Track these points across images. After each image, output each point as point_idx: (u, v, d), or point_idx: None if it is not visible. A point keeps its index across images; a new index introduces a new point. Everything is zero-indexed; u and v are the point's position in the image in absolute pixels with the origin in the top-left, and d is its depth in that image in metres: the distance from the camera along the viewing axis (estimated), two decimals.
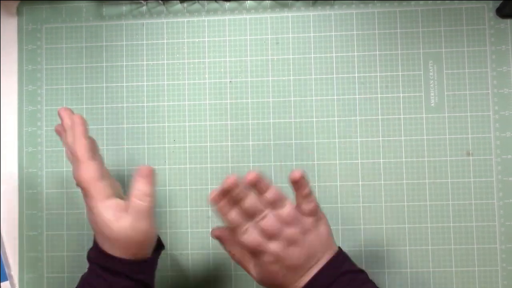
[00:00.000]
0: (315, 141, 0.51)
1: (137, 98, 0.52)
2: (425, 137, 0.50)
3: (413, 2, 0.51)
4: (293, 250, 0.39)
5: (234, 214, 0.39)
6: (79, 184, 0.41)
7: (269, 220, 0.39)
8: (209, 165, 0.51)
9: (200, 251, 0.51)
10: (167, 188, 0.51)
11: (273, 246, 0.39)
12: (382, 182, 0.50)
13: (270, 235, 0.39)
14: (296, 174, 0.39)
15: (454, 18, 0.51)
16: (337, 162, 0.50)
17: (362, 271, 0.41)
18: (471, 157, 0.50)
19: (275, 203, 0.39)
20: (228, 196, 0.39)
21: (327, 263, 0.40)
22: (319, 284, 0.40)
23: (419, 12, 0.51)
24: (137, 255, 0.41)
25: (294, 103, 0.51)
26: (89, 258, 0.43)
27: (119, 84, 0.52)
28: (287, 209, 0.39)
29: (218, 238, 0.44)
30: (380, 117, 0.50)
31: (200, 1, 0.52)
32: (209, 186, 0.51)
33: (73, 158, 0.42)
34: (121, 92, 0.52)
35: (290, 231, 0.39)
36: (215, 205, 0.39)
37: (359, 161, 0.50)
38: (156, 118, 0.52)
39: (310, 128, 0.51)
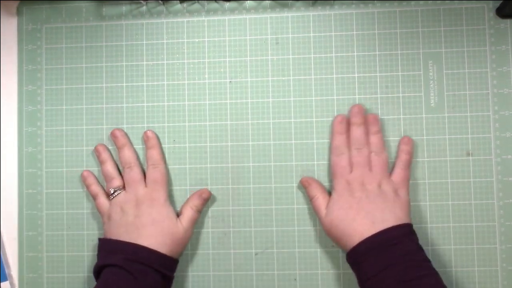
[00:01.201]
0: (314, 141, 0.51)
1: (137, 98, 0.52)
2: (425, 137, 0.50)
3: (413, 2, 0.51)
4: (368, 189, 0.46)
5: (342, 138, 0.49)
6: (153, 183, 0.48)
7: (362, 154, 0.47)
8: (209, 165, 0.51)
9: (200, 251, 0.51)
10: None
11: (356, 172, 0.47)
12: None
13: (355, 165, 0.47)
14: (406, 139, 0.49)
15: (454, 18, 0.51)
16: None
17: (422, 250, 0.45)
18: (471, 157, 0.50)
19: (375, 148, 0.48)
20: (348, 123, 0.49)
21: (393, 226, 0.44)
22: (381, 241, 0.43)
23: (419, 12, 0.51)
24: (178, 254, 0.48)
25: (294, 103, 0.51)
26: (116, 257, 0.45)
27: (119, 84, 0.52)
28: (380, 159, 0.47)
29: (307, 182, 0.49)
30: (380, 117, 0.50)
31: (200, 1, 0.52)
32: (209, 186, 0.51)
33: (150, 161, 0.50)
34: (121, 92, 0.52)
35: (371, 174, 0.47)
36: (336, 127, 0.49)
37: None
38: (156, 118, 0.52)
39: (310, 128, 0.51)
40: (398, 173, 0.48)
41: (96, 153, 0.51)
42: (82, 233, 0.52)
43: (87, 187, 0.51)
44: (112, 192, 0.49)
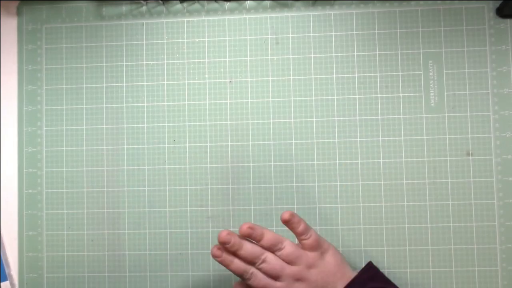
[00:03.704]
0: (315, 141, 0.51)
1: (137, 98, 0.52)
2: (425, 137, 0.50)
3: (413, 2, 0.51)
4: (300, 286, 0.41)
5: (236, 263, 0.41)
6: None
7: (270, 263, 0.41)
8: (209, 165, 0.51)
9: (200, 251, 0.51)
10: (167, 188, 0.51)
11: (279, 285, 0.41)
12: (382, 182, 0.50)
13: (274, 276, 0.41)
14: (285, 215, 0.41)
15: (454, 18, 0.51)
16: (337, 162, 0.50)
17: None
18: (471, 157, 0.50)
19: (273, 247, 0.42)
20: (226, 248, 0.41)
21: (346, 285, 0.41)
22: None
23: (419, 12, 0.51)
24: None
25: (294, 103, 0.51)
26: None
27: (119, 84, 0.52)
28: (286, 250, 0.41)
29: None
30: (380, 117, 0.50)
31: (200, 1, 0.52)
32: (209, 186, 0.51)
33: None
34: (121, 92, 0.52)
35: (294, 269, 0.41)
36: (217, 259, 0.41)
37: (359, 161, 0.50)
38: (156, 118, 0.52)
39: (310, 128, 0.51)
40: (308, 244, 0.42)
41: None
42: (82, 233, 0.52)
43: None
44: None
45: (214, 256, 0.42)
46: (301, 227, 0.42)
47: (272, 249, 0.42)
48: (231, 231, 0.41)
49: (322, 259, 0.42)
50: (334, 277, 0.42)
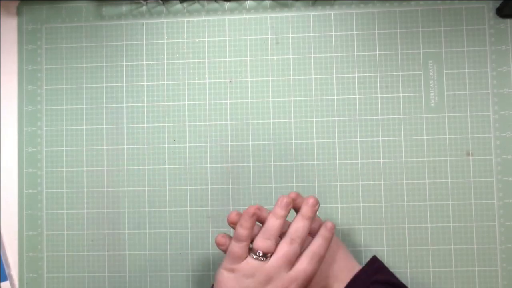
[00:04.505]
0: (315, 141, 0.51)
1: (137, 98, 0.52)
2: (425, 137, 0.50)
3: (413, 2, 0.51)
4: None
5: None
6: (294, 278, 0.40)
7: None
8: (209, 165, 0.51)
9: (200, 251, 0.51)
10: (167, 188, 0.51)
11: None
12: (382, 182, 0.50)
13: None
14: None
15: (454, 18, 0.51)
16: (337, 162, 0.50)
17: (392, 284, 0.42)
18: (471, 157, 0.50)
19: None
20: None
21: (352, 279, 0.41)
22: None
23: (419, 12, 0.51)
24: None
25: (294, 103, 0.51)
26: None
27: (119, 84, 0.52)
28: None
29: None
30: (380, 117, 0.50)
31: (200, 1, 0.52)
32: (209, 186, 0.51)
33: (313, 249, 0.41)
34: (121, 92, 0.52)
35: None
36: (221, 247, 0.42)
37: (359, 161, 0.50)
38: (156, 118, 0.52)
39: (310, 128, 0.51)
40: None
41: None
42: (82, 233, 0.52)
43: (237, 225, 0.41)
44: (259, 254, 0.40)
45: (218, 245, 0.42)
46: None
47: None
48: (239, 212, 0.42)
49: (329, 246, 0.42)
50: (338, 266, 0.42)
